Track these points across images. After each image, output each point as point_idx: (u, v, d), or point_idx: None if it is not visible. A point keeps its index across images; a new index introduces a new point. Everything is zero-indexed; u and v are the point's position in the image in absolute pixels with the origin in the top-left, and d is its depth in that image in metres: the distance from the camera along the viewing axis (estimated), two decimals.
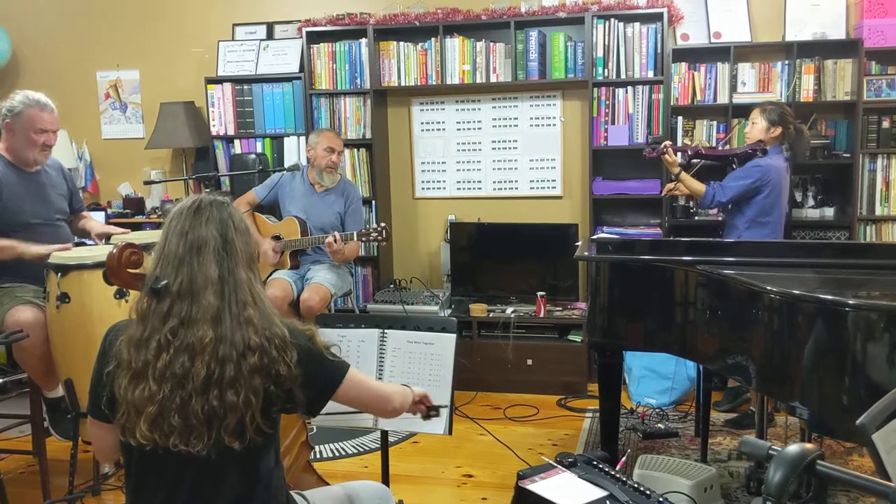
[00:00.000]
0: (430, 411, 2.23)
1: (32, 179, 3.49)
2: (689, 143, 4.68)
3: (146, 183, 4.79)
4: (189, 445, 1.71)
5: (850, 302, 2.35)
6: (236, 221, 1.85)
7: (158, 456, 1.75)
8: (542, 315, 4.67)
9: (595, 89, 4.68)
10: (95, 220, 3.90)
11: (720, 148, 4.20)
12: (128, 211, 5.42)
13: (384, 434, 2.75)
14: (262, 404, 1.73)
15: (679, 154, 3.98)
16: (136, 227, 5.19)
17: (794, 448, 1.36)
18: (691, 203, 4.64)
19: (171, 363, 1.71)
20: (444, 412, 2.51)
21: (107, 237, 3.68)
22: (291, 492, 1.97)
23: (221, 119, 5.15)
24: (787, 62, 4.53)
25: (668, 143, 3.98)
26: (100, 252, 3.21)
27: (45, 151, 3.45)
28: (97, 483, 3.41)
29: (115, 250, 1.89)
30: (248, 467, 1.80)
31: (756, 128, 3.91)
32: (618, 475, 2.39)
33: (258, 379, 1.72)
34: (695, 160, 4.03)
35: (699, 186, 3.93)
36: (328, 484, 2.33)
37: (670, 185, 4.05)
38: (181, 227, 1.81)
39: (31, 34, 5.57)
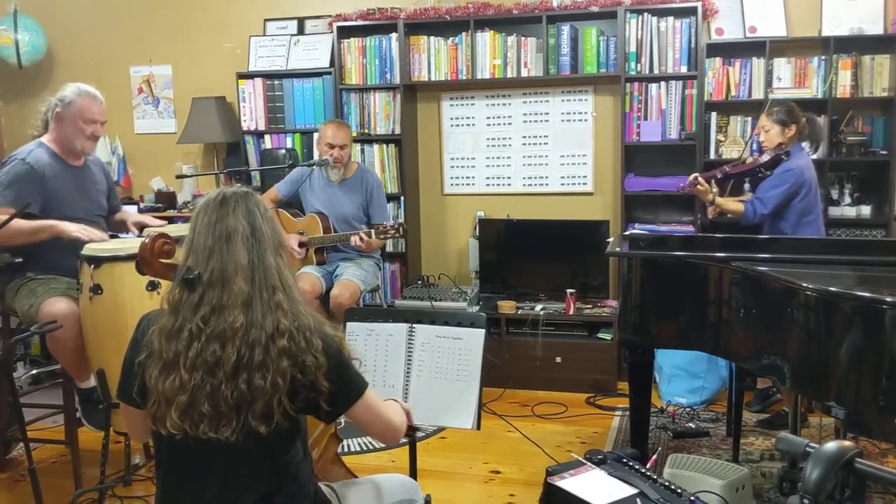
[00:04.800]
0: (408, 431, 2.19)
1: (77, 174, 3.53)
2: (722, 138, 4.63)
3: (178, 177, 4.81)
4: (218, 433, 1.72)
5: (888, 300, 2.30)
6: (262, 209, 1.88)
7: (188, 444, 1.76)
8: (571, 312, 4.64)
9: (627, 84, 4.63)
10: (130, 213, 3.94)
11: (740, 163, 4.10)
12: (160, 205, 5.46)
13: (412, 429, 2.74)
14: (288, 389, 1.73)
15: (711, 180, 3.92)
16: (168, 221, 5.22)
17: (832, 445, 1.32)
18: None
19: (202, 352, 1.72)
20: (474, 405, 2.50)
21: (142, 226, 3.72)
22: (320, 483, 1.97)
23: (252, 114, 5.17)
24: (823, 57, 4.46)
25: (695, 175, 3.92)
26: (132, 244, 3.22)
27: (91, 142, 3.50)
28: (128, 473, 3.44)
29: (147, 240, 1.91)
30: (277, 457, 1.81)
31: (771, 134, 3.84)
32: (648, 473, 2.36)
33: (285, 362, 1.73)
34: (725, 181, 3.99)
35: (738, 207, 3.88)
36: (356, 477, 2.32)
37: (712, 213, 4.03)
38: (209, 219, 1.83)
39: (66, 30, 5.63)
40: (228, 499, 1.79)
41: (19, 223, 3.18)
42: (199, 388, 1.71)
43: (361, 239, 4.12)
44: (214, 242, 1.80)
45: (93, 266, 3.07)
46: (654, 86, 4.63)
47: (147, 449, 3.76)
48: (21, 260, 3.43)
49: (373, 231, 4.14)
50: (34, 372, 4.70)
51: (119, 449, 3.47)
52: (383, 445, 3.85)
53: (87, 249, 3.15)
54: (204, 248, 1.80)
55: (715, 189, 3.90)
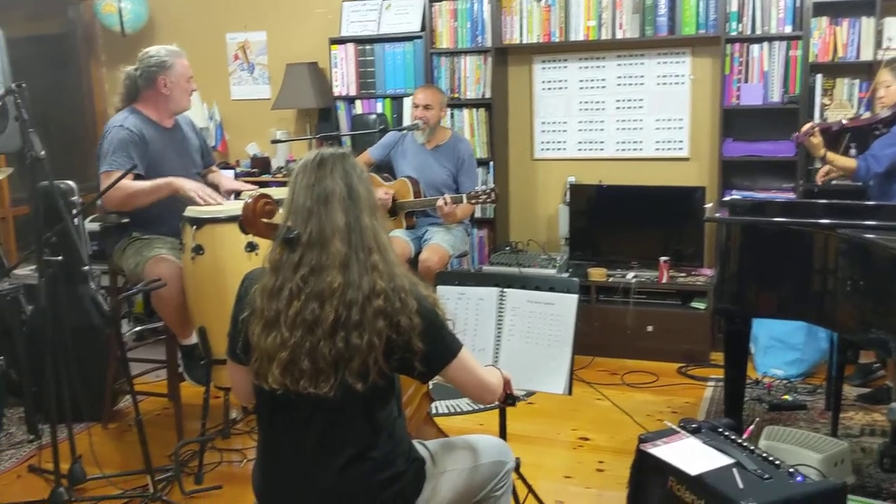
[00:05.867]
0: (507, 399, 2.18)
1: (171, 135, 3.64)
2: (827, 102, 4.42)
3: (273, 142, 4.91)
4: (317, 388, 1.77)
5: None
6: (358, 171, 1.90)
7: (290, 399, 1.81)
8: (664, 281, 4.56)
9: (728, 45, 4.47)
10: (225, 177, 4.04)
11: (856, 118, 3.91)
12: (255, 170, 5.58)
13: (511, 397, 2.74)
14: (383, 349, 1.76)
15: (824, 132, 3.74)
16: (263, 185, 5.34)
17: None
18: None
19: (301, 310, 1.77)
20: (565, 370, 2.49)
21: (236, 193, 3.81)
22: (413, 441, 2.00)
23: (344, 79, 5.22)
24: None
25: (812, 123, 3.74)
26: (232, 207, 3.32)
27: (190, 99, 3.63)
28: (227, 427, 3.57)
29: (250, 200, 1.95)
30: (373, 414, 1.85)
31: (892, 90, 3.64)
32: (745, 443, 2.31)
33: (381, 322, 1.76)
34: (839, 136, 3.81)
35: (850, 163, 3.70)
36: (448, 436, 2.35)
37: (823, 171, 3.88)
38: (307, 180, 1.86)
39: None
40: (327, 451, 1.84)
41: (137, 184, 3.30)
42: (298, 346, 1.77)
43: (446, 202, 4.11)
44: (313, 204, 1.83)
45: (195, 227, 3.17)
46: (755, 47, 4.45)
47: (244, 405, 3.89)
48: (127, 221, 3.57)
49: (464, 196, 4.13)
50: (138, 329, 4.91)
51: (218, 404, 3.59)
52: (472, 409, 3.90)
53: (189, 211, 3.25)
54: (303, 209, 1.84)
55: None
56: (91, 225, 4.88)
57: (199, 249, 3.16)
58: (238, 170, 5.59)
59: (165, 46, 3.56)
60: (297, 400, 1.81)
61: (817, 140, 3.68)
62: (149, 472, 3.06)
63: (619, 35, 4.64)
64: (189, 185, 3.38)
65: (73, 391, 3.13)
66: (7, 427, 3.76)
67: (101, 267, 4.20)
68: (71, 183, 4.11)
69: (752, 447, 2.29)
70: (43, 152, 2.87)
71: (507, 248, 4.99)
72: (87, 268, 3.38)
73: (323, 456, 1.84)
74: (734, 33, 4.45)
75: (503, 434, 2.71)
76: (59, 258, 3.09)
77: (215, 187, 3.87)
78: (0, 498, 3.19)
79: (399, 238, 4.37)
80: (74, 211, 3.86)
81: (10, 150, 4.26)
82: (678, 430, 2.40)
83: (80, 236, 3.93)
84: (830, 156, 3.73)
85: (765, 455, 2.24)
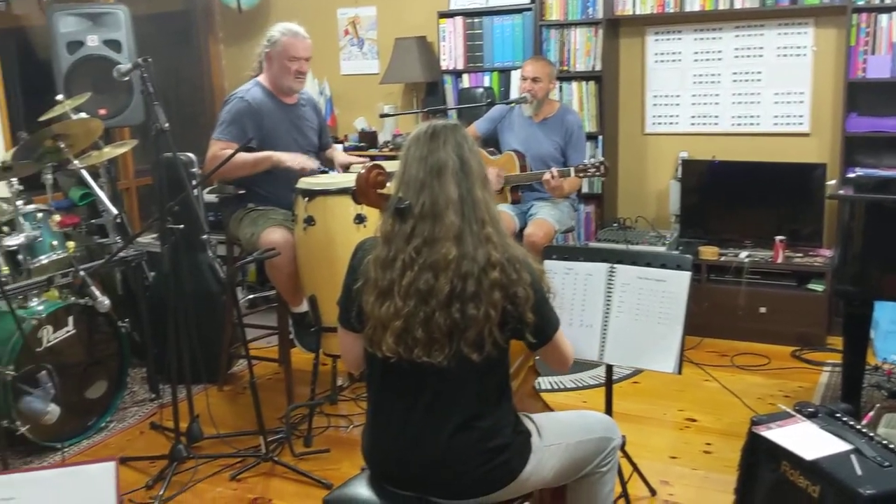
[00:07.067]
0: None
1: (290, 111, 3.74)
2: None
3: (381, 116, 4.96)
4: (431, 357, 1.79)
5: None
6: (469, 143, 1.91)
7: (402, 367, 1.85)
8: (779, 261, 4.39)
9: (854, 15, 4.22)
10: (338, 152, 4.12)
11: None
12: (362, 144, 5.67)
13: (609, 369, 2.72)
14: (499, 319, 1.77)
15: None
16: (370, 159, 5.42)
17: None
18: None
19: (415, 280, 1.80)
20: (675, 349, 2.44)
21: (347, 167, 3.88)
22: (519, 413, 2.01)
23: (451, 53, 5.21)
24: None
25: None
26: (343, 179, 3.39)
27: (299, 79, 3.69)
28: (334, 393, 3.67)
29: (363, 171, 1.99)
30: (482, 383, 1.87)
31: None
32: (864, 430, 2.20)
33: (498, 294, 1.77)
34: None
35: None
36: (553, 410, 2.34)
37: None
38: (420, 152, 1.88)
39: None
40: (435, 419, 1.87)
41: (243, 156, 3.42)
42: (412, 315, 1.80)
43: (553, 176, 4.04)
44: (426, 176, 1.85)
45: (307, 199, 3.26)
46: (884, 16, 4.19)
47: (351, 372, 3.98)
48: (243, 192, 3.70)
49: (572, 169, 4.07)
50: (251, 297, 5.09)
51: (326, 370, 3.70)
52: (575, 385, 3.88)
53: (302, 183, 3.34)
54: (415, 180, 1.86)
55: None
56: (209, 196, 5.07)
57: (310, 220, 3.24)
58: (346, 144, 5.68)
59: (286, 24, 3.66)
60: (408, 367, 1.84)
61: None
62: (261, 433, 3.19)
63: (738, 5, 4.46)
64: (286, 157, 3.51)
65: (193, 354, 3.28)
66: (130, 386, 3.98)
67: (217, 237, 4.37)
68: (191, 155, 4.28)
69: (871, 434, 2.18)
70: (167, 124, 3.00)
71: (615, 225, 4.91)
72: (205, 236, 3.53)
73: (431, 423, 1.87)
74: (861, 2, 4.21)
75: (609, 412, 2.69)
76: (181, 226, 3.22)
77: (330, 162, 3.97)
78: (124, 451, 3.38)
79: (504, 212, 4.35)
80: (194, 182, 4.01)
81: (134, 124, 4.51)
82: (793, 413, 2.31)
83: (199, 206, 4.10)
84: None
85: (885, 442, 2.13)
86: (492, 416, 1.87)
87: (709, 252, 4.52)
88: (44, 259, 3.49)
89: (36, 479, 1.59)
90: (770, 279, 4.40)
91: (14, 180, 3.37)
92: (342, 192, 3.20)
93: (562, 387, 3.90)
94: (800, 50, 4.56)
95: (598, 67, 4.80)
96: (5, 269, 3.31)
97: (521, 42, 4.99)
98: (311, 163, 3.57)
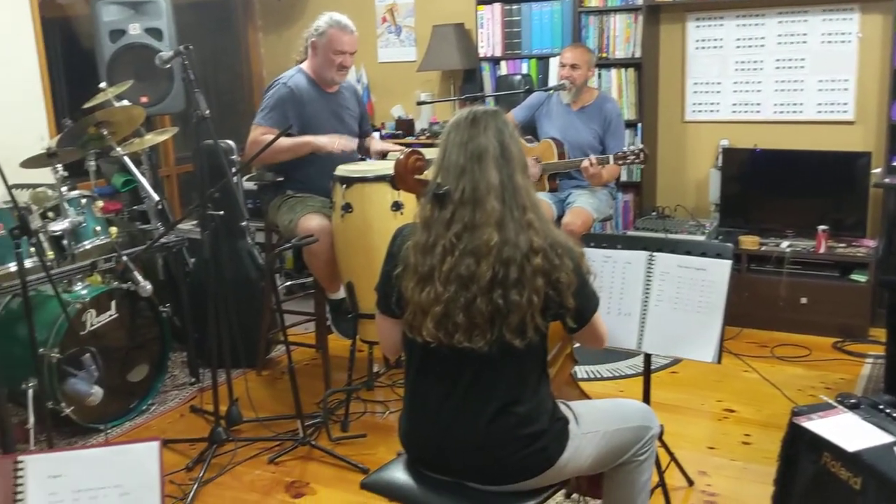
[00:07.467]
0: None
1: (331, 100, 3.76)
2: None
3: (419, 104, 4.96)
4: (472, 342, 1.80)
5: None
6: (509, 129, 1.90)
7: (441, 352, 1.85)
8: (821, 251, 4.31)
9: None
10: (376, 140, 4.14)
11: None
12: (399, 132, 5.68)
13: (647, 357, 2.70)
14: (541, 305, 1.77)
15: None
16: (407, 147, 5.43)
17: None
18: None
19: (456, 266, 1.80)
20: (715, 338, 2.41)
21: (384, 154, 3.90)
22: (557, 401, 2.00)
23: (489, 40, 5.19)
24: None
25: None
26: (380, 166, 3.41)
27: (341, 72, 3.70)
28: (371, 379, 3.70)
29: (401, 156, 1.99)
30: (521, 369, 1.87)
31: None
32: None
33: (540, 280, 1.77)
34: None
35: None
36: (590, 398, 2.33)
37: None
38: (460, 138, 1.87)
39: None
40: (472, 403, 1.87)
41: (282, 141, 3.45)
42: (452, 300, 1.80)
43: (592, 164, 4.01)
44: (466, 161, 1.85)
45: (344, 186, 3.28)
46: None
47: (387, 358, 4.01)
48: (282, 179, 3.73)
49: (611, 156, 4.03)
50: (288, 283, 5.13)
51: (363, 357, 3.73)
52: (612, 375, 3.86)
53: (340, 170, 3.36)
54: (455, 166, 1.86)
55: None
56: (248, 184, 5.13)
57: (348, 207, 3.26)
58: (383, 132, 5.70)
59: (335, 15, 3.65)
60: (448, 353, 1.85)
61: None
62: (299, 417, 3.22)
63: None
64: (323, 140, 3.52)
65: (232, 339, 3.33)
66: (171, 370, 4.04)
67: (256, 224, 4.41)
68: (230, 142, 4.33)
69: None
70: (208, 111, 3.03)
71: (654, 213, 4.87)
72: (245, 223, 3.58)
73: (470, 409, 1.87)
74: None
75: (646, 401, 2.67)
76: (221, 213, 3.26)
77: (367, 150, 3.98)
78: (165, 434, 3.44)
79: (542, 201, 4.30)
80: (233, 169, 4.06)
81: (175, 111, 4.56)
82: (835, 404, 2.28)
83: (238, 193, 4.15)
84: None
85: None
86: (530, 403, 1.87)
87: (749, 242, 4.46)
88: (87, 244, 3.55)
89: (83, 457, 1.62)
90: (812, 269, 4.33)
91: (59, 167, 3.43)
92: (379, 179, 3.21)
93: (598, 376, 3.88)
94: (845, 36, 4.46)
95: (638, 54, 4.75)
96: (50, 254, 3.38)
97: (560, 29, 4.96)
98: (350, 143, 3.58)
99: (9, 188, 2.75)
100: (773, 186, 4.60)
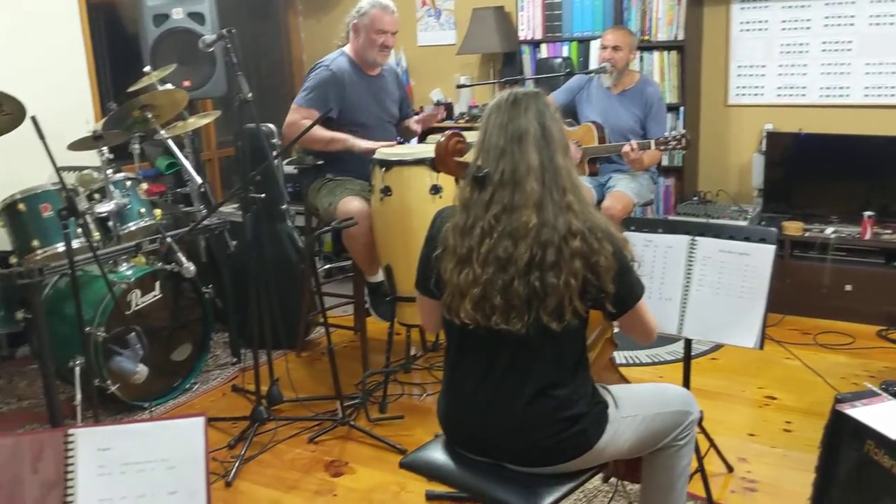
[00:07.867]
0: None
1: (372, 83, 3.78)
2: None
3: (459, 87, 4.94)
4: (509, 324, 1.80)
5: None
6: (551, 111, 1.89)
7: (479, 334, 1.86)
8: (867, 238, 4.23)
9: None
10: (414, 123, 4.14)
11: None
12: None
13: (687, 343, 2.68)
14: (579, 288, 1.76)
15: None
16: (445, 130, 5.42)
17: None
18: None
19: (494, 248, 1.80)
20: (758, 324, 2.39)
21: (420, 137, 3.91)
22: (596, 384, 2.00)
23: (530, 23, 5.16)
24: None
25: None
26: (419, 150, 3.41)
27: (383, 52, 3.71)
28: (408, 361, 3.72)
29: (442, 138, 1.99)
30: (560, 352, 1.87)
31: None
32: None
33: (578, 263, 1.76)
34: None
35: None
36: (630, 383, 2.33)
37: None
38: (500, 119, 1.87)
39: None
40: (510, 385, 1.88)
41: (318, 132, 3.48)
42: (490, 282, 1.80)
43: (633, 149, 3.96)
44: (506, 143, 1.84)
45: (384, 169, 3.29)
46: None
47: (424, 342, 4.03)
48: (322, 163, 3.76)
49: (652, 141, 3.99)
50: (327, 266, 5.17)
51: (401, 340, 3.75)
52: (651, 361, 3.84)
53: (379, 153, 3.37)
54: (495, 147, 1.86)
55: None
56: (288, 167, 5.16)
57: (387, 191, 3.27)
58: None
59: None
60: (486, 334, 1.85)
61: None
62: (338, 398, 3.26)
63: None
64: (361, 144, 3.56)
65: (273, 321, 3.37)
66: (213, 350, 4.10)
67: (296, 207, 4.44)
68: (271, 126, 4.36)
69: None
70: (250, 95, 3.06)
71: (695, 199, 4.81)
72: (285, 206, 3.61)
73: (508, 390, 1.88)
74: None
75: (686, 387, 2.65)
76: (262, 196, 3.29)
77: (407, 130, 4.00)
78: (208, 412, 3.48)
79: (583, 184, 4.30)
80: (274, 152, 4.09)
81: (217, 95, 4.61)
82: (879, 392, 2.24)
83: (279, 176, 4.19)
84: None
85: None
86: (569, 386, 1.87)
87: (793, 227, 4.38)
88: (132, 226, 3.61)
89: (130, 431, 1.66)
90: (857, 256, 4.24)
91: (104, 149, 3.49)
92: (419, 162, 3.22)
93: (637, 361, 3.86)
94: (894, 18, 4.35)
95: (681, 37, 4.68)
96: (97, 235, 3.45)
97: (602, 11, 4.90)
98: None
99: (57, 170, 2.81)
100: (818, 171, 4.51)
